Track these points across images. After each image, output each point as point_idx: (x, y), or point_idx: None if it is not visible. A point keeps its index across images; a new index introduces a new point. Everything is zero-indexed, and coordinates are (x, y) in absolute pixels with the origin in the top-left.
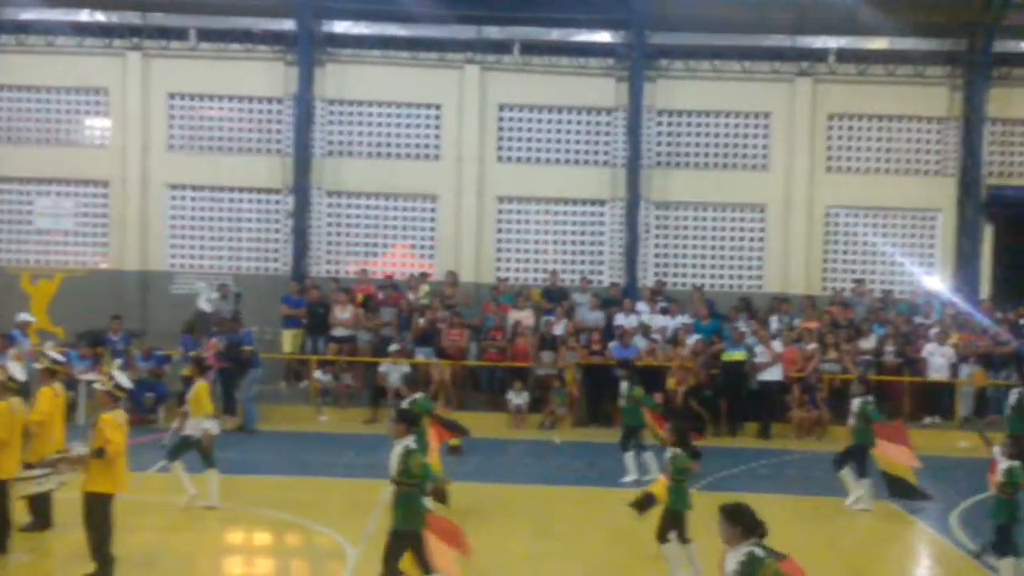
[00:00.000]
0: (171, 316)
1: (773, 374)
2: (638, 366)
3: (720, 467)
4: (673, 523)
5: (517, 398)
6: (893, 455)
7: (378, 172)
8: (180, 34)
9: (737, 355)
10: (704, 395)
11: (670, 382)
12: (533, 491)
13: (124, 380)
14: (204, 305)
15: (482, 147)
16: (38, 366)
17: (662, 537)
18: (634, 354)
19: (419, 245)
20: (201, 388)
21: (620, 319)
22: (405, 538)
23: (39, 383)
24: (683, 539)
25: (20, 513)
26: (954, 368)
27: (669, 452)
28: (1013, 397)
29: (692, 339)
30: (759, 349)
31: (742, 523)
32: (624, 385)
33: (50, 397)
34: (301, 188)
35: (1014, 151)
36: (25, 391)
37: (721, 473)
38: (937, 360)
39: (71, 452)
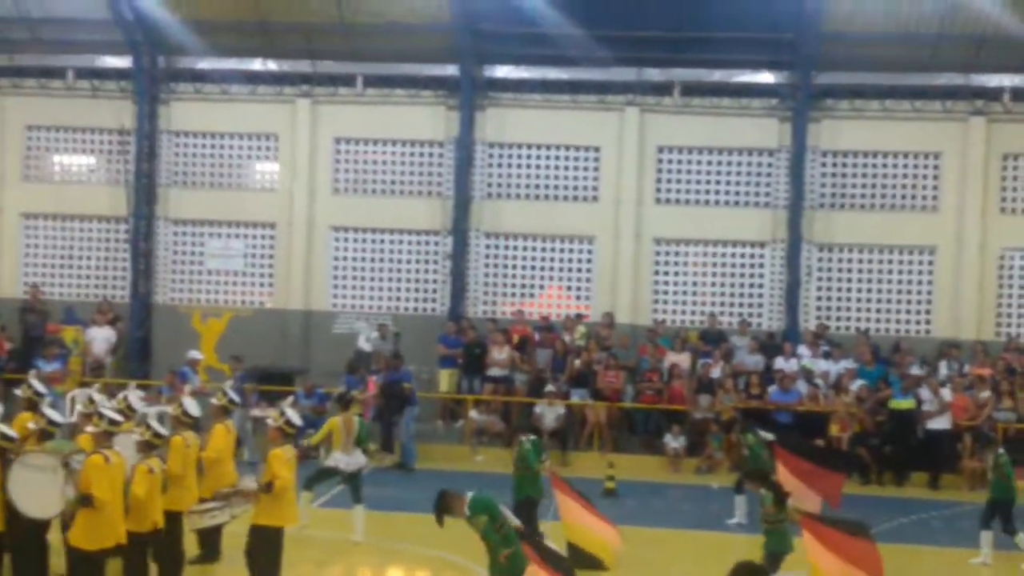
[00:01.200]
0: (333, 355)
1: (942, 422)
2: (799, 411)
3: (888, 518)
4: (771, 565)
5: (674, 441)
6: None
7: (536, 214)
8: (347, 81)
9: (905, 403)
10: (870, 443)
11: (833, 428)
12: (690, 536)
13: (294, 417)
14: (364, 345)
15: (640, 189)
16: (214, 401)
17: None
18: (795, 399)
19: (576, 286)
20: (334, 423)
21: (780, 363)
22: None
23: (211, 419)
24: None
25: (191, 545)
26: None
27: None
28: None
29: (856, 384)
30: (927, 396)
31: None
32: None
33: (223, 434)
34: (460, 230)
35: None
36: (196, 426)
37: (890, 524)
38: None
39: (242, 486)
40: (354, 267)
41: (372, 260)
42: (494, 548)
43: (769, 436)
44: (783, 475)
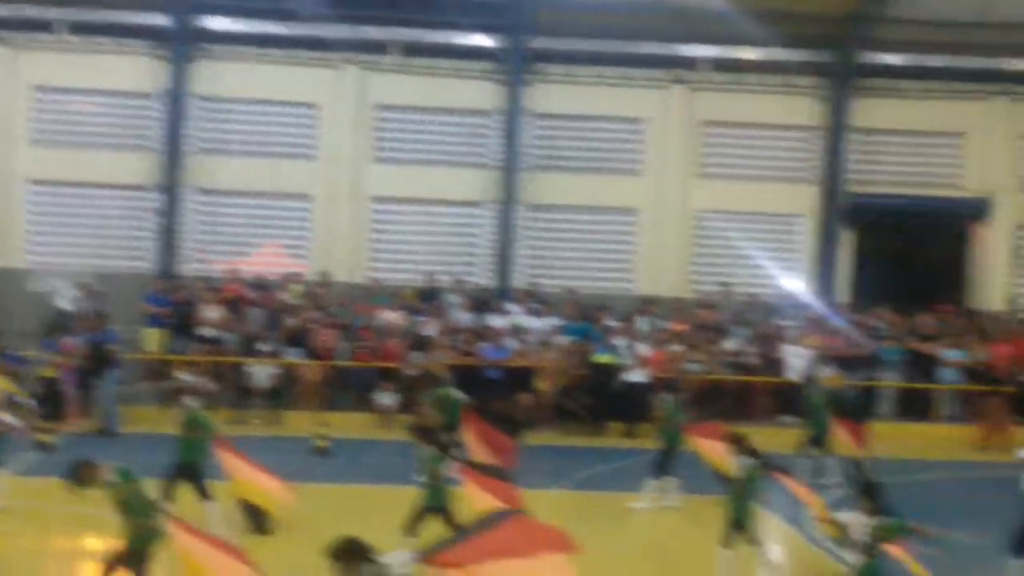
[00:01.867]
0: (32, 315)
1: (639, 375)
2: (510, 366)
3: (587, 466)
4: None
5: (386, 399)
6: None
7: (252, 171)
8: (48, 26)
9: (606, 357)
10: (575, 395)
11: (540, 383)
12: (399, 492)
13: None
14: (65, 304)
15: (358, 147)
16: None
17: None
18: (506, 355)
19: (292, 245)
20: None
21: (492, 320)
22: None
23: None
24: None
25: None
26: (812, 369)
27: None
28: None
29: (562, 340)
30: (627, 351)
31: (357, 558)
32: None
33: None
34: (170, 185)
35: (875, 160)
36: None
37: (587, 472)
38: (795, 361)
39: None
40: (54, 223)
41: (76, 216)
42: (135, 516)
43: (463, 397)
44: (468, 435)
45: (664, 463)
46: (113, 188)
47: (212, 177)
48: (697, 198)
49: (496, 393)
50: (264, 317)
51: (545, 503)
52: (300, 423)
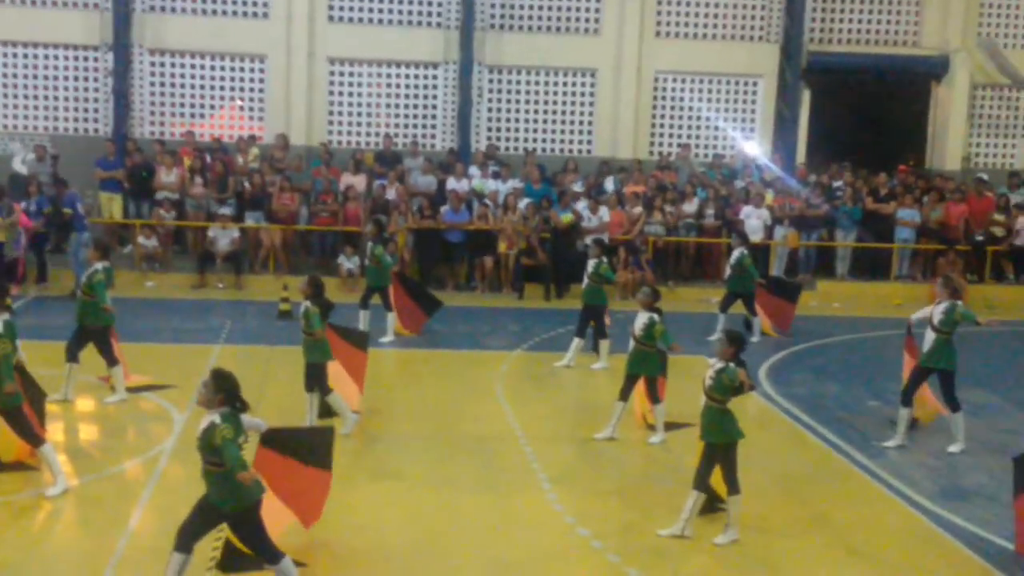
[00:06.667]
0: None
1: (601, 237)
2: (470, 230)
3: (549, 328)
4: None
5: (348, 262)
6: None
7: (204, 29)
8: None
9: (565, 218)
10: (535, 258)
11: (501, 246)
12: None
13: None
14: (19, 167)
15: (313, 5)
16: None
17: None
18: (466, 219)
19: (248, 107)
20: None
21: (452, 184)
22: None
23: None
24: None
25: None
26: (769, 230)
27: (646, 318)
28: (734, 256)
29: (523, 203)
30: (587, 212)
31: (224, 390)
32: (592, 263)
33: None
34: (121, 45)
35: (834, 18)
36: None
37: (550, 334)
38: (753, 222)
39: None
40: (5, 84)
41: (25, 77)
42: None
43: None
44: (396, 296)
45: (586, 323)
46: (61, 48)
47: (163, 36)
48: (656, 59)
49: (457, 256)
50: (224, 181)
51: (507, 363)
52: (262, 287)
